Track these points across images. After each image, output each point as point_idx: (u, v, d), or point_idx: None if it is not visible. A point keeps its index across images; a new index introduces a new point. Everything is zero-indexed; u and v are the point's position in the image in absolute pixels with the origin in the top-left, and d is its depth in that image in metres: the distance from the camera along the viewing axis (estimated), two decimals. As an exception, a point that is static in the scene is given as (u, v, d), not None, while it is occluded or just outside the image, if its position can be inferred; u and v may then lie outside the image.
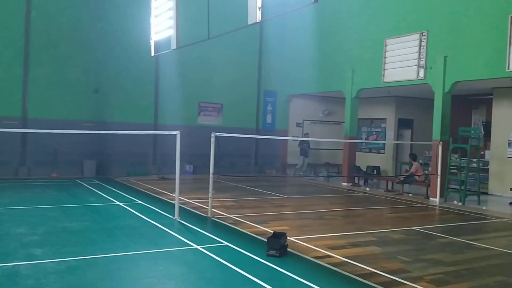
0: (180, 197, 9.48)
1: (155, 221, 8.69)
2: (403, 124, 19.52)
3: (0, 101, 15.01)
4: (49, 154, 15.50)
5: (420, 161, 16.08)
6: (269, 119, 20.36)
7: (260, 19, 8.18)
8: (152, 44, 13.27)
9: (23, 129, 14.39)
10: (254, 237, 7.76)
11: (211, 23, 10.18)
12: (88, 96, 16.38)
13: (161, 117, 17.62)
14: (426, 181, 14.28)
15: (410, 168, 15.02)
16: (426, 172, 14.75)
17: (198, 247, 6.89)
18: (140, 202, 10.97)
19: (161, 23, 12.45)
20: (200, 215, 9.58)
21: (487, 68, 12.32)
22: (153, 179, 16.01)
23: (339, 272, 5.94)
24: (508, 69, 11.61)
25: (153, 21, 13.00)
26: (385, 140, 19.34)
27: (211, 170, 9.44)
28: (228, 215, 9.58)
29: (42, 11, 15.66)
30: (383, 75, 15.15)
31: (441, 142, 13.29)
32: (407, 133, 19.77)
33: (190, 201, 11.22)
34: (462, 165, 13.67)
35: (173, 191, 10.15)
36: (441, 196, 13.11)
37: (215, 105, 19.03)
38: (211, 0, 9.82)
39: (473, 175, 14.09)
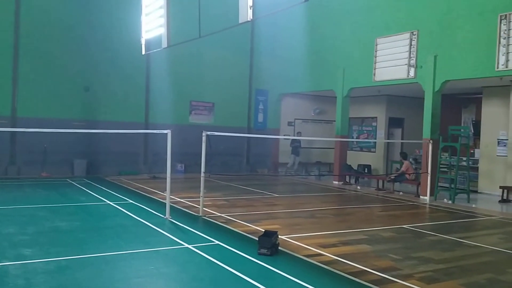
0: (171, 196, 9.46)
1: (146, 221, 8.66)
2: (393, 123, 19.62)
3: (-11, 100, 14.88)
4: (39, 153, 15.40)
5: (411, 159, 16.18)
6: (260, 118, 20.36)
7: (251, 17, 8.19)
8: (143, 42, 13.24)
9: (12, 128, 14.25)
10: (245, 236, 7.76)
11: (202, 21, 10.16)
12: (79, 95, 16.27)
13: (152, 116, 17.56)
14: (416, 180, 14.37)
15: (401, 166, 15.11)
16: (416, 170, 14.84)
17: (190, 246, 6.88)
18: (131, 201, 10.92)
19: (152, 21, 12.42)
20: (192, 214, 9.56)
21: (477, 67, 12.42)
22: (144, 178, 15.95)
23: (330, 270, 5.96)
24: (498, 68, 11.72)
25: (143, 19, 12.96)
26: (376, 139, 19.43)
27: (203, 169, 9.42)
28: (219, 214, 9.57)
29: (32, 9, 15.51)
30: (374, 74, 15.22)
31: (431, 141, 13.38)
32: (398, 132, 19.88)
33: (182, 200, 11.20)
34: (452, 163, 13.78)
35: (164, 190, 10.12)
36: (431, 194, 13.20)
37: (206, 104, 19.00)
38: (202, -1, 9.79)
39: (463, 174, 14.21)
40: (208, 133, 9.50)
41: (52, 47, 15.82)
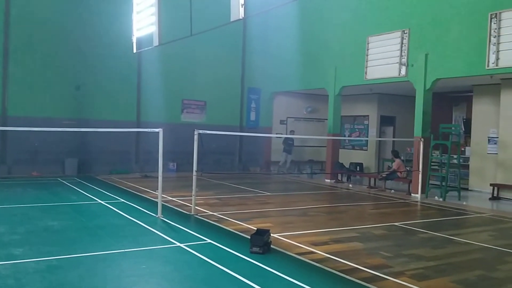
0: (163, 195, 9.45)
1: (138, 220, 8.63)
2: (385, 121, 19.70)
3: (-21, 98, 14.75)
4: (29, 152, 15.29)
5: (402, 157, 16.26)
6: (253, 116, 20.36)
7: (243, 16, 8.19)
8: (134, 40, 13.18)
9: (3, 127, 14.12)
10: (237, 234, 7.76)
11: (194, 19, 10.14)
12: (69, 94, 16.16)
13: (143, 115, 17.48)
14: (408, 178, 14.45)
15: (392, 164, 15.18)
16: (407, 168, 14.92)
17: (181, 245, 6.87)
18: (123, 200, 10.88)
19: (143, 20, 12.37)
20: (184, 213, 9.54)
21: (468, 66, 12.51)
22: (135, 177, 15.89)
23: (322, 268, 5.98)
24: (488, 66, 11.81)
25: (135, 17, 12.90)
26: (367, 137, 19.51)
27: (195, 168, 9.41)
28: (211, 213, 9.56)
29: (22, 8, 15.38)
30: (366, 73, 15.27)
31: (422, 139, 13.45)
32: (390, 130, 19.97)
33: (173, 199, 11.17)
34: (443, 161, 13.87)
35: (156, 189, 10.09)
36: (422, 192, 13.27)
37: (198, 103, 18.96)
38: (193, -3, 9.76)
39: (454, 171, 14.31)
40: (200, 131, 9.48)
41: (43, 46, 15.71)
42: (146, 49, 13.08)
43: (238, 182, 15.24)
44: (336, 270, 5.89)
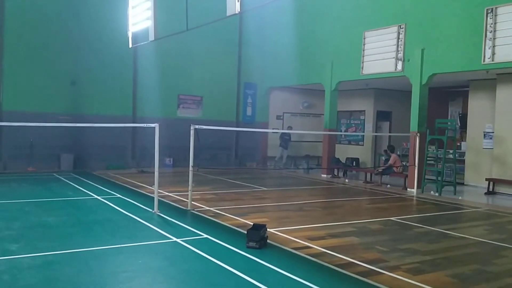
0: (159, 190, 9.43)
1: (134, 215, 8.62)
2: (381, 116, 19.72)
3: (-27, 93, 14.67)
4: (25, 147, 15.22)
5: (398, 152, 16.29)
6: (249, 111, 20.33)
7: (239, 10, 8.16)
8: (130, 35, 13.11)
9: (-2, 122, 14.09)
10: (234, 229, 7.76)
11: (189, 14, 10.09)
12: (65, 89, 16.08)
13: (139, 110, 17.43)
14: (404, 172, 14.48)
15: (388, 159, 15.20)
16: (404, 163, 14.95)
17: (178, 240, 6.87)
18: (119, 195, 10.86)
19: (139, 14, 12.30)
20: (180, 208, 9.53)
21: (464, 61, 12.52)
22: (132, 172, 15.86)
23: (318, 263, 5.99)
24: (484, 61, 11.82)
25: (130, 11, 12.83)
26: (364, 132, 19.53)
27: (191, 163, 9.39)
28: (208, 208, 9.56)
29: (17, 3, 15.28)
30: (362, 68, 15.26)
31: (418, 134, 13.47)
32: (386, 125, 19.99)
33: (170, 194, 11.16)
34: (439, 156, 13.90)
35: (152, 184, 10.08)
36: (418, 187, 13.32)
37: (194, 98, 18.91)
38: (189, -9, 9.71)
39: (450, 166, 14.35)
40: (197, 126, 9.46)
41: (38, 41, 15.60)
42: (141, 44, 13.01)
43: (234, 177, 15.24)
44: (332, 265, 5.90)
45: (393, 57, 14.20)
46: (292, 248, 6.62)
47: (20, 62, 15.33)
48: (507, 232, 8.55)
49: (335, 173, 16.95)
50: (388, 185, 14.45)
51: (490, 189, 13.54)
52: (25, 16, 15.41)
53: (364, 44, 15.19)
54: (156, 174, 8.97)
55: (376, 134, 19.30)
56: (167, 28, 12.07)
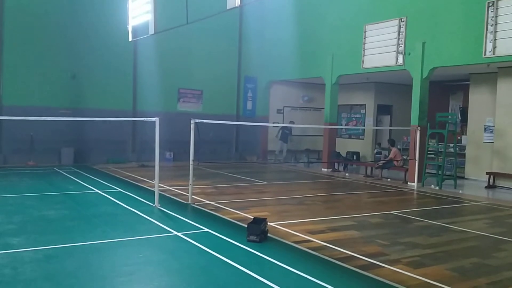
0: (160, 184, 9.43)
1: (135, 209, 8.63)
2: (382, 110, 19.69)
3: (-27, 87, 14.64)
4: (25, 142, 15.22)
5: (399, 146, 16.28)
6: (249, 105, 20.31)
7: (239, 3, 8.12)
8: (130, 29, 13.05)
9: (-2, 116, 14.08)
10: (234, 223, 7.77)
11: (189, 7, 10.05)
12: (65, 83, 16.05)
13: (139, 104, 17.41)
14: (404, 166, 14.48)
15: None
16: (404, 157, 14.95)
17: (179, 234, 6.88)
18: (119, 189, 10.87)
19: (139, 7, 12.24)
20: (180, 202, 9.54)
21: (464, 54, 12.48)
22: (132, 166, 15.87)
23: (318, 256, 6.00)
24: (485, 55, 11.79)
25: (130, 5, 12.77)
26: (364, 126, 19.51)
27: (191, 157, 9.39)
28: (208, 202, 9.57)
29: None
30: (363, 61, 15.22)
31: (419, 128, 13.46)
32: (386, 119, 19.97)
33: (170, 188, 11.17)
34: (439, 150, 13.89)
35: (152, 178, 10.08)
36: (418, 181, 13.32)
37: (194, 92, 18.88)
38: (189, -16, 9.67)
39: (450, 160, 14.34)
40: (197, 121, 9.44)
41: (38, 34, 15.56)
42: (142, 37, 12.97)
43: (234, 171, 15.24)
44: (333, 258, 5.91)
45: (394, 51, 14.15)
46: (292, 242, 6.63)
47: (19, 57, 15.30)
48: (507, 226, 8.55)
49: (336, 167, 16.95)
50: (389, 179, 14.45)
51: (491, 183, 13.54)
52: (25, 10, 15.35)
53: (364, 38, 15.14)
54: (157, 168, 8.96)
55: (376, 128, 19.29)
56: (167, 21, 12.03)
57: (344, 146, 19.12)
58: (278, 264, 5.58)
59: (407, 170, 13.99)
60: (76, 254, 5.80)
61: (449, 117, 15.16)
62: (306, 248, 6.35)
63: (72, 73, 16.11)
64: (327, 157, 16.95)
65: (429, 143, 13.98)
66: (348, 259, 5.92)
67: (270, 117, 20.50)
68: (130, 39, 13.33)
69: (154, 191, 9.14)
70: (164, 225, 7.45)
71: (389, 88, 19.44)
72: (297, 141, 20.48)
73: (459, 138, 15.66)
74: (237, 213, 8.51)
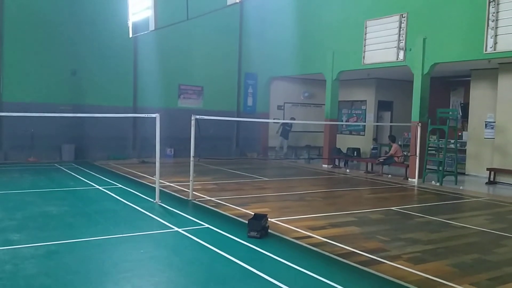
0: (160, 181, 9.44)
1: (136, 205, 8.64)
2: (383, 106, 19.67)
3: (-26, 84, 14.63)
4: (26, 138, 15.22)
5: (400, 142, 16.27)
6: (250, 101, 20.29)
7: (240, -1, 8.09)
8: (130, 25, 13.03)
9: (-1, 112, 14.05)
10: (235, 219, 7.78)
11: (190, 3, 10.02)
12: (66, 79, 16.03)
13: (140, 100, 17.39)
14: (405, 162, 14.47)
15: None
16: (405, 153, 14.94)
17: (179, 230, 6.88)
18: (120, 185, 10.88)
19: (139, 3, 12.22)
20: (181, 198, 9.55)
21: (465, 50, 12.46)
22: (133, 162, 15.88)
23: (319, 252, 6.00)
24: (486, 51, 11.76)
25: (130, 1, 12.75)
26: (365, 122, 19.49)
27: (192, 153, 9.39)
28: (209, 198, 9.57)
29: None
30: (364, 57, 15.19)
31: (420, 124, 13.44)
32: (387, 115, 19.95)
33: (171, 184, 11.17)
34: (440, 146, 13.89)
35: (153, 174, 10.09)
36: (419, 177, 13.31)
37: (195, 88, 18.86)
38: (189, -20, 9.64)
39: (451, 156, 14.34)
40: (197, 117, 9.44)
41: (38, 31, 15.52)
42: (142, 33, 12.94)
43: (235, 168, 15.25)
44: (334, 254, 5.92)
45: (395, 47, 14.12)
46: (293, 238, 6.64)
47: (20, 53, 15.27)
48: (508, 222, 8.56)
49: (336, 163, 16.95)
50: (389, 175, 14.45)
51: (491, 179, 13.54)
52: (25, 7, 15.31)
53: (365, 34, 15.10)
54: (157, 164, 8.97)
55: (377, 124, 19.27)
56: (168, 17, 12.00)
57: (344, 142, 19.11)
58: (279, 260, 5.58)
59: (407, 166, 13.99)
60: (77, 250, 5.81)
61: (450, 113, 15.14)
62: (306, 244, 6.36)
63: (72, 70, 16.08)
64: (327, 153, 16.95)
65: (430, 139, 13.96)
66: (348, 255, 5.93)
67: (271, 114, 20.49)
68: (131, 35, 13.31)
69: (154, 187, 9.15)
70: (165, 221, 7.45)
71: (390, 84, 19.41)
72: (298, 137, 20.47)
73: (459, 134, 15.63)
74: (238, 209, 8.52)
